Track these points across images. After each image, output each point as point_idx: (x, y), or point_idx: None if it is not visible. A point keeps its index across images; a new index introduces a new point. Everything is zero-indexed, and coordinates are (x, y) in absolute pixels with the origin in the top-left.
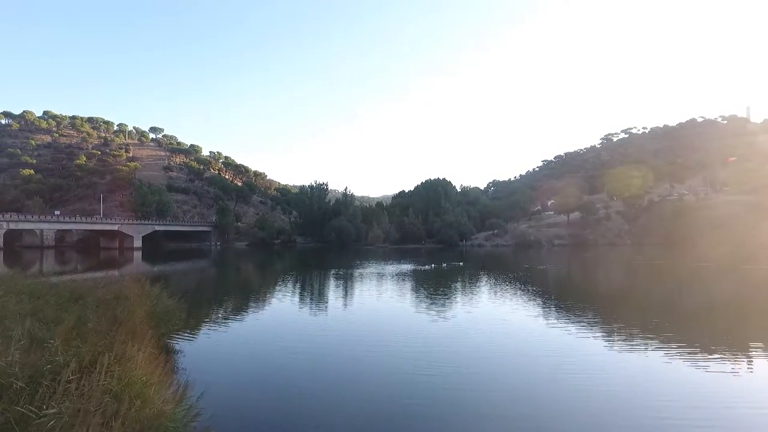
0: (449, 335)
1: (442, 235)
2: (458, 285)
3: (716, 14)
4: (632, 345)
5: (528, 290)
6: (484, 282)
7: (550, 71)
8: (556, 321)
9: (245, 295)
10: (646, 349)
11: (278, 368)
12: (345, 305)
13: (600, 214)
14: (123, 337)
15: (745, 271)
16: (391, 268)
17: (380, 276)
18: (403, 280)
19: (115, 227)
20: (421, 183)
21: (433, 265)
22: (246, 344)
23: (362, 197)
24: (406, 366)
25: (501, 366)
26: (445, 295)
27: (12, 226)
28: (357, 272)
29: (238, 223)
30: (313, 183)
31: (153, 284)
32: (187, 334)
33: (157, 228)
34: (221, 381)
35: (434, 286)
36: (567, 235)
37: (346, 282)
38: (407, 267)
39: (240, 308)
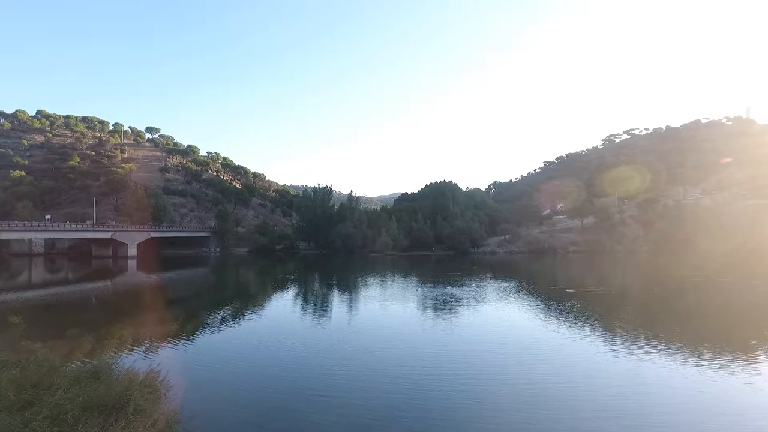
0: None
1: (452, 242)
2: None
3: (717, 15)
4: None
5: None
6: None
7: (551, 72)
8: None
9: (243, 315)
10: None
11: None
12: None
13: (615, 219)
14: None
15: None
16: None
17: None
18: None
19: (108, 235)
20: (427, 185)
21: (468, 287)
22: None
23: (360, 197)
24: None
25: None
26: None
27: None
28: (364, 293)
29: (239, 228)
30: (317, 186)
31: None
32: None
33: (153, 235)
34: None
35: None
36: (582, 242)
37: (352, 309)
38: (440, 291)
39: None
